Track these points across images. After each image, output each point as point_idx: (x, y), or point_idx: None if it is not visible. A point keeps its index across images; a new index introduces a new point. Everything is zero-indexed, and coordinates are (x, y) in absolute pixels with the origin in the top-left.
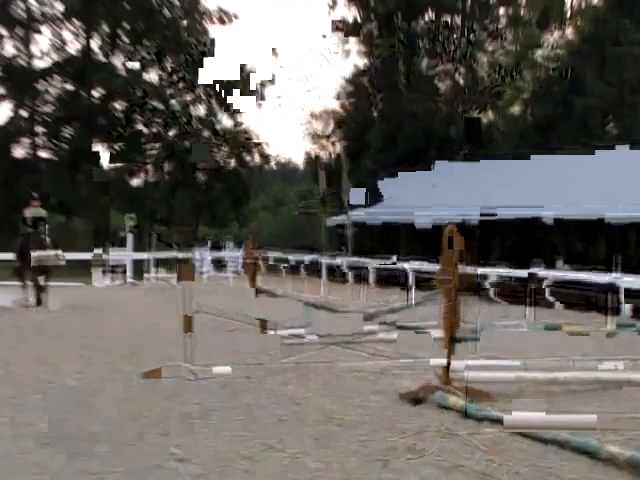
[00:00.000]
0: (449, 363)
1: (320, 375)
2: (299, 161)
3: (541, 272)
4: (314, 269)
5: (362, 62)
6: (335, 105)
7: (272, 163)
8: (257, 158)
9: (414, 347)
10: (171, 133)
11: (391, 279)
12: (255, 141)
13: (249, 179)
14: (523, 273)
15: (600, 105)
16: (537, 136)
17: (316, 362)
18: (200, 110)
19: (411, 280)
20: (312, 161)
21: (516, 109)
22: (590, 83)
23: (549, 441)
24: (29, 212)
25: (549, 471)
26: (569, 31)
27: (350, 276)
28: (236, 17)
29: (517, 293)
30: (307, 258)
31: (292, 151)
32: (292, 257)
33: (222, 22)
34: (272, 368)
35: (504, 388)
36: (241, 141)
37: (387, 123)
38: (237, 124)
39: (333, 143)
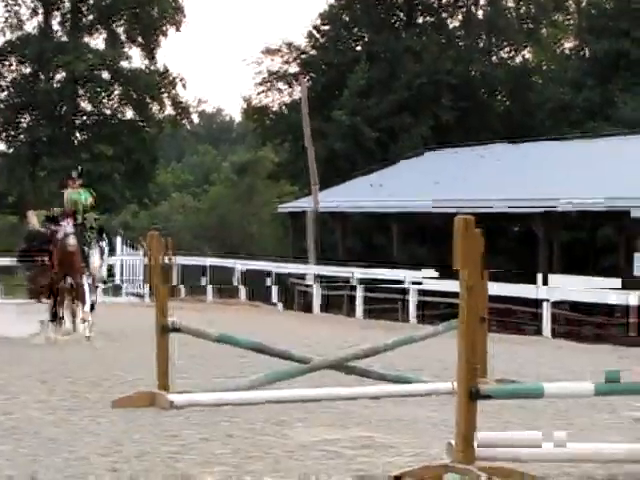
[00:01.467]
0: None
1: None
2: (234, 114)
3: None
4: (260, 289)
5: None
6: (301, 40)
7: (193, 115)
8: (168, 107)
9: (410, 406)
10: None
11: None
12: (166, 81)
13: (154, 140)
14: None
15: None
16: (594, 79)
17: None
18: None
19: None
20: (256, 112)
21: (567, 46)
22: None
23: None
24: (68, 197)
25: None
26: None
27: (316, 300)
28: None
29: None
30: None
31: (223, 99)
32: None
33: None
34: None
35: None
36: (145, 81)
37: (376, 63)
38: (150, 62)
39: (292, 87)
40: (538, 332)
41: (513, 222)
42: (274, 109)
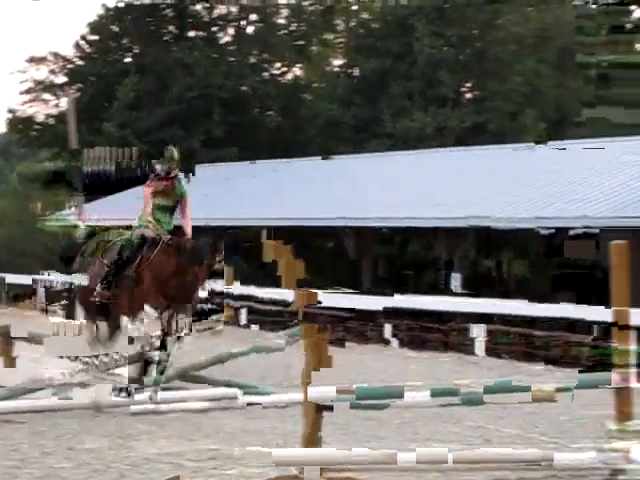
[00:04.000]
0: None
1: None
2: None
3: None
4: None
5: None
6: (69, 50)
7: None
8: None
9: (257, 417)
10: None
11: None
12: None
13: None
14: None
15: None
16: (362, 97)
17: None
18: None
19: None
20: (20, 123)
21: (336, 63)
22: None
23: None
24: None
25: None
26: None
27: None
28: None
29: None
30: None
31: None
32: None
33: None
34: None
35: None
36: None
37: (147, 75)
38: None
39: (58, 98)
40: (385, 342)
41: (326, 238)
42: (40, 120)
